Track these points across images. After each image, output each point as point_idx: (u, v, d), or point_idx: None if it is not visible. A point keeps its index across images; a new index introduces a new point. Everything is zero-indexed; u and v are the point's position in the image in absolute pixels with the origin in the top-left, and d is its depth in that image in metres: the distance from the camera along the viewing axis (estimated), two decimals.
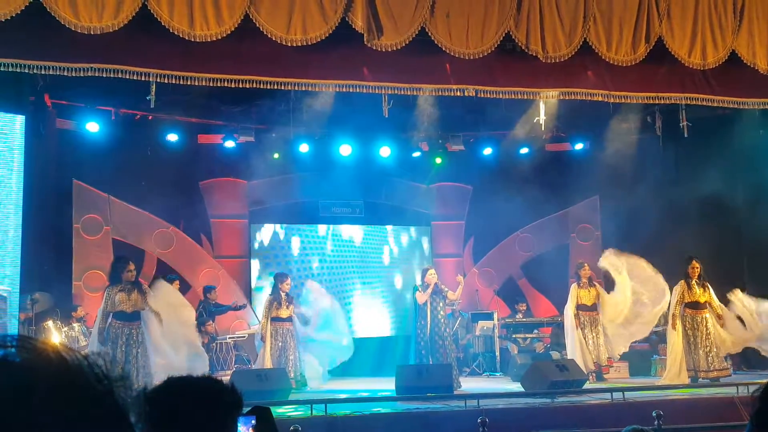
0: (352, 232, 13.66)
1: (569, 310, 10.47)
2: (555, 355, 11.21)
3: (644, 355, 11.43)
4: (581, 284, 10.53)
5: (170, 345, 8.66)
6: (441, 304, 10.07)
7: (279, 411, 7.41)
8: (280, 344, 10.00)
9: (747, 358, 11.14)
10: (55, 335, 9.68)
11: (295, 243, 13.30)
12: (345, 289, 13.38)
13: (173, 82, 8.17)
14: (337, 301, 11.11)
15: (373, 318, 13.51)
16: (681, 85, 9.38)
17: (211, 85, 8.25)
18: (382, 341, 13.06)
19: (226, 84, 8.24)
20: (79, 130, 11.44)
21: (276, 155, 12.71)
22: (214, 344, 10.95)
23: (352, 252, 13.64)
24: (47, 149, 11.06)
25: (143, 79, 8.00)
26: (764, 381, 1.80)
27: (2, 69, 7.66)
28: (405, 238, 14.02)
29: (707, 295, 9.85)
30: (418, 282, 10.47)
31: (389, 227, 13.90)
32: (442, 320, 10.06)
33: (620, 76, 9.07)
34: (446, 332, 10.09)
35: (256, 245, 13.10)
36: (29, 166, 10.35)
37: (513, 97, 9.14)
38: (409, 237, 14.04)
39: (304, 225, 13.40)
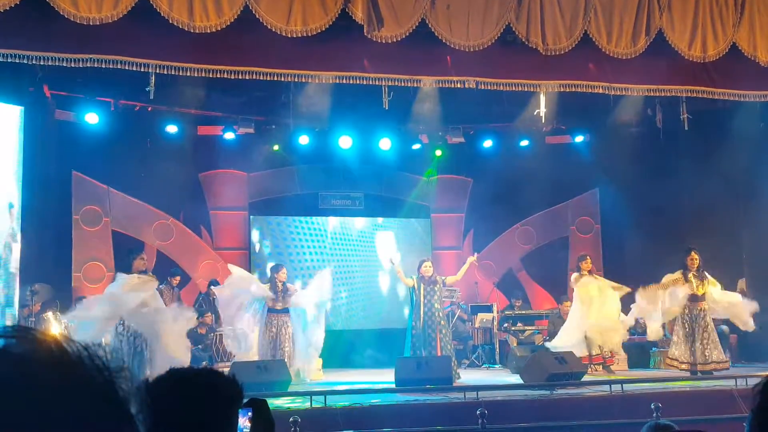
0: (350, 224, 13.64)
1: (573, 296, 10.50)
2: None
3: (644, 348, 11.44)
4: (583, 276, 10.52)
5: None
6: (436, 296, 9.99)
7: (278, 403, 7.42)
8: (273, 334, 9.90)
9: (746, 351, 11.17)
10: (54, 326, 9.68)
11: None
12: (341, 281, 13.38)
13: (172, 73, 8.16)
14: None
15: (372, 310, 13.51)
16: (681, 78, 9.37)
17: (210, 76, 8.24)
18: (380, 333, 13.04)
19: (225, 75, 8.22)
20: (78, 122, 11.41)
21: (276, 147, 12.71)
22: (213, 335, 10.96)
23: (349, 244, 13.62)
24: (46, 140, 11.04)
25: (142, 70, 7.99)
26: (764, 374, 1.79)
27: (1, 60, 7.64)
28: (404, 230, 13.98)
29: (705, 287, 9.80)
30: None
31: (388, 219, 13.88)
32: (438, 313, 9.93)
33: (620, 68, 9.05)
34: (442, 324, 9.98)
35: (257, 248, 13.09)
36: (28, 158, 10.34)
37: (513, 89, 9.12)
38: (409, 229, 14.01)
39: (302, 216, 13.37)
